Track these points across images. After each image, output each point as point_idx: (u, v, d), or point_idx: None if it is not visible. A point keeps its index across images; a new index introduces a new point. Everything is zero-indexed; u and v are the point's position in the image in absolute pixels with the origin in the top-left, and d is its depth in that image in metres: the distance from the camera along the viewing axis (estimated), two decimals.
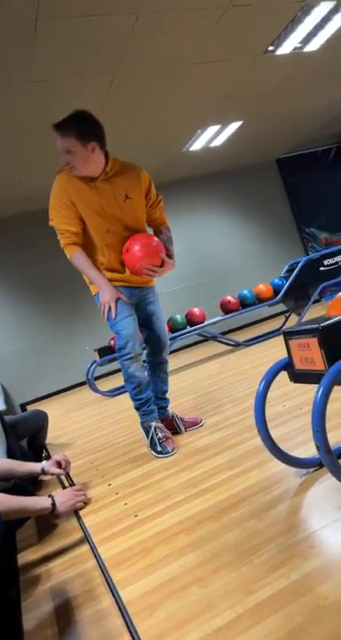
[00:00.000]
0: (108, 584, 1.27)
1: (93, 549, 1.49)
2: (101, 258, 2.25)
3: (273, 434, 1.53)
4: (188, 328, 4.93)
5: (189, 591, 1.11)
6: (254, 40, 4.22)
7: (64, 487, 2.10)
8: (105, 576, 1.31)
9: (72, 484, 2.08)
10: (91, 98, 4.30)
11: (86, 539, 1.59)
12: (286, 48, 4.52)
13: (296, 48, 4.59)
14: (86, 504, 1.83)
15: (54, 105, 4.20)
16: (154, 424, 2.26)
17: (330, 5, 4.01)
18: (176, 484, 1.77)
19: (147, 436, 2.26)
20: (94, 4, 3.10)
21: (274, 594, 1.01)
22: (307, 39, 4.47)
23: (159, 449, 2.18)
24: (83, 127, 2.06)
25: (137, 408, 2.34)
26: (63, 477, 2.19)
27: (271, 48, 4.44)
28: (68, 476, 1.94)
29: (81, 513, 1.77)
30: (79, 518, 1.74)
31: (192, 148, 6.48)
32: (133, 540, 1.45)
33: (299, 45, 4.56)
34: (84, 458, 2.57)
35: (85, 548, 1.55)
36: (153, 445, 2.22)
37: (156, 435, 2.23)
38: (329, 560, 1.08)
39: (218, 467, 1.81)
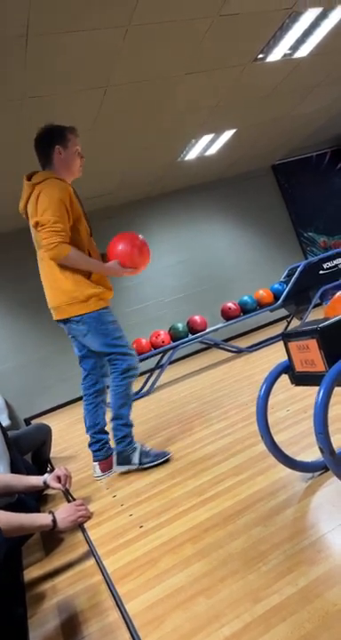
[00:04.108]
0: (114, 598, 1.25)
1: (99, 563, 1.47)
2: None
3: (278, 438, 1.52)
4: (190, 336, 4.92)
5: (196, 602, 1.09)
6: (243, 48, 4.25)
7: (69, 501, 2.08)
8: (111, 589, 1.29)
9: (73, 499, 2.06)
10: (85, 111, 4.33)
11: (91, 552, 1.57)
12: (276, 55, 4.55)
13: (285, 55, 4.62)
14: (89, 518, 1.81)
15: (49, 120, 4.23)
16: (138, 444, 2.20)
17: (318, 11, 4.05)
18: (181, 493, 1.75)
19: (132, 459, 2.16)
20: (83, 19, 3.13)
21: (282, 601, 0.99)
22: (296, 45, 4.51)
23: (154, 456, 2.15)
24: None
25: (127, 435, 2.19)
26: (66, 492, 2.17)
27: (261, 56, 4.47)
28: (68, 491, 1.92)
29: (86, 526, 1.75)
30: (84, 531, 1.72)
31: (187, 158, 6.51)
32: (139, 552, 1.43)
33: (289, 52, 4.59)
34: (89, 470, 2.55)
35: (91, 561, 1.53)
36: (145, 457, 2.15)
37: (145, 448, 2.19)
38: (337, 564, 1.06)
39: (223, 474, 1.79)
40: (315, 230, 8.54)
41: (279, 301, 5.21)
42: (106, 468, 2.31)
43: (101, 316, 2.15)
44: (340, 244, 8.47)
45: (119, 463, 2.20)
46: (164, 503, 1.72)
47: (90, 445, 2.36)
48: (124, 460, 2.18)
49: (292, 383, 1.50)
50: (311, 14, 4.07)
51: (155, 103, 4.66)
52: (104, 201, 6.96)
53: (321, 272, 5.46)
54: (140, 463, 2.15)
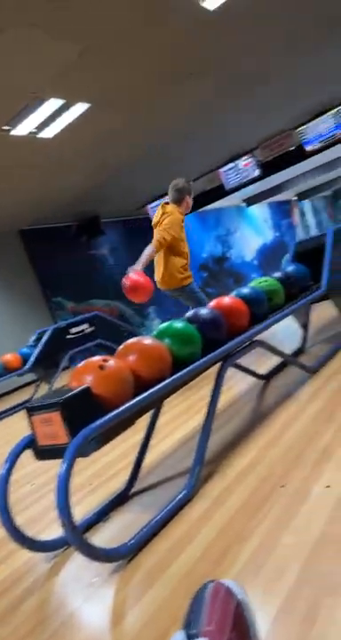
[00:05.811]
0: None
1: None
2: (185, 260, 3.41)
3: (22, 517, 1.45)
4: None
5: None
6: None
7: None
8: None
9: None
10: None
11: None
12: (21, 130, 4.72)
13: (31, 132, 4.85)
14: None
15: None
16: None
17: (62, 102, 4.45)
18: None
19: None
20: None
21: None
22: (42, 127, 4.80)
23: None
24: None
25: None
26: None
27: (6, 127, 4.56)
28: None
29: None
30: None
31: None
32: None
33: (35, 131, 4.84)
34: None
35: None
36: None
37: None
38: None
39: None
40: (64, 296, 8.87)
41: (27, 365, 5.11)
42: None
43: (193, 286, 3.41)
44: (88, 309, 9.01)
45: None
46: None
47: None
48: None
49: (37, 458, 1.46)
50: (56, 102, 4.44)
51: None
52: None
53: (68, 336, 5.64)
54: None
